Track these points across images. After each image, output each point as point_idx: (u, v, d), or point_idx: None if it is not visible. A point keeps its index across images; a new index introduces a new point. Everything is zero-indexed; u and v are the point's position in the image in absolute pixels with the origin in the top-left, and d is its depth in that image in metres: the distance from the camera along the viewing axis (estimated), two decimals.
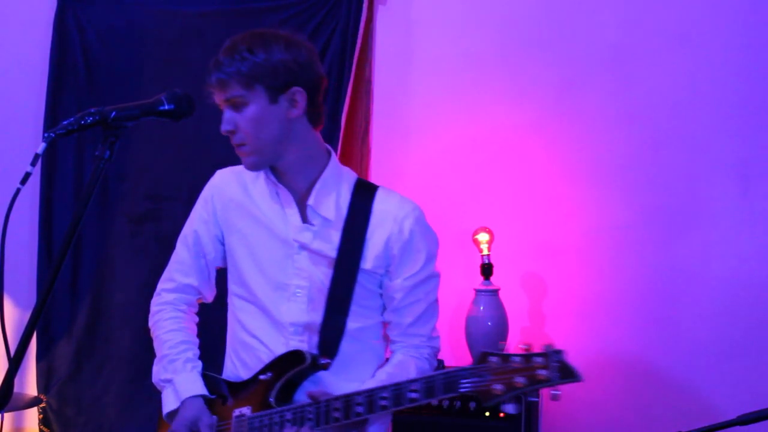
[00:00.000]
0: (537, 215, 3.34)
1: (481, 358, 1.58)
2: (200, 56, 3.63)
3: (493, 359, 1.56)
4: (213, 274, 2.15)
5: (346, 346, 1.96)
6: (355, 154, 3.49)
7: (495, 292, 3.12)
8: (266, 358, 1.97)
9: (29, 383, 3.78)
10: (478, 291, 3.13)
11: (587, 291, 3.29)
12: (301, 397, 1.93)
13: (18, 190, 1.45)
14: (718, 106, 3.20)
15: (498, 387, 1.54)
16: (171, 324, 2.11)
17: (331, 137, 3.45)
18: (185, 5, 3.68)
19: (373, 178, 3.47)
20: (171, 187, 3.66)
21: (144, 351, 3.64)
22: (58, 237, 3.76)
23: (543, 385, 1.52)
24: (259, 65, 1.86)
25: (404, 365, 1.99)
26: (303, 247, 1.97)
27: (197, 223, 2.12)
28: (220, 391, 2.02)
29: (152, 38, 3.69)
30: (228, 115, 1.91)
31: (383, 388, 1.73)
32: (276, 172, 1.99)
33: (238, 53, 1.87)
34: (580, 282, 3.30)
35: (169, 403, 2.01)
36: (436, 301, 2.07)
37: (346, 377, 1.92)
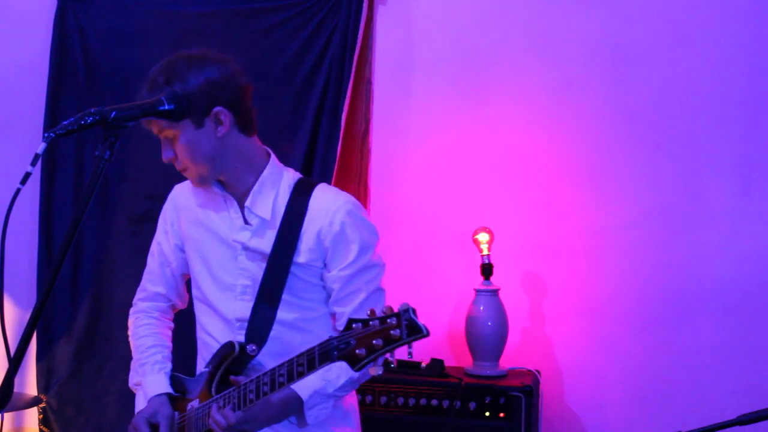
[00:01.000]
0: (537, 215, 3.34)
1: (347, 325, 1.63)
2: None
3: (357, 325, 1.61)
4: (180, 282, 2.30)
5: (288, 336, 2.05)
6: (355, 154, 3.49)
7: (495, 292, 3.12)
8: None
9: (29, 383, 3.78)
10: (478, 291, 3.13)
11: (587, 291, 3.29)
12: None
13: (18, 190, 1.46)
14: (718, 106, 3.20)
15: (361, 351, 1.59)
16: (143, 330, 2.26)
17: (331, 137, 3.45)
18: (185, 5, 3.68)
19: (373, 178, 3.47)
20: (171, 187, 3.65)
21: None
22: (58, 237, 3.76)
23: (397, 343, 1.56)
24: (179, 97, 1.88)
25: None
26: (244, 247, 2.08)
27: (160, 235, 2.28)
28: (184, 388, 2.15)
29: (152, 38, 3.68)
30: (163, 147, 2.02)
31: (281, 365, 1.80)
32: (221, 181, 2.11)
33: (156, 88, 1.94)
34: (580, 282, 3.30)
35: (140, 404, 2.18)
36: (379, 290, 2.11)
37: None
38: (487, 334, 3.09)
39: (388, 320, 1.58)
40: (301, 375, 1.75)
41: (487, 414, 2.91)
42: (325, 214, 2.05)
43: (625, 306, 3.26)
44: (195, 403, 2.06)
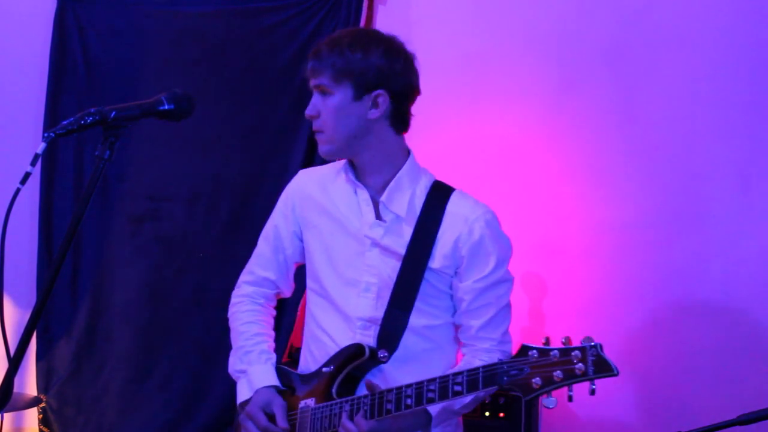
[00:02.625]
0: (537, 215, 3.34)
1: (521, 351, 1.59)
2: (200, 56, 3.66)
3: (533, 353, 1.58)
4: (291, 270, 2.22)
5: (412, 342, 1.98)
6: None
7: None
8: (334, 352, 2.01)
9: (29, 383, 3.77)
10: None
11: (587, 291, 3.29)
12: (363, 389, 1.96)
13: (18, 190, 1.46)
14: (718, 106, 3.19)
15: (537, 381, 1.55)
16: (247, 316, 2.18)
17: None
18: (185, 5, 3.68)
19: None
20: (171, 187, 3.66)
21: (144, 351, 3.67)
22: (58, 237, 3.76)
23: (580, 379, 1.52)
24: (353, 64, 1.93)
25: (468, 366, 1.97)
26: (375, 243, 2.01)
27: (278, 218, 2.19)
28: (290, 383, 2.08)
29: (152, 38, 3.68)
30: (314, 100, 1.99)
31: (432, 380, 1.75)
32: (355, 169, 2.06)
33: (338, 47, 1.95)
34: (580, 282, 3.30)
35: (243, 393, 2.08)
36: (508, 305, 2.08)
37: (412, 374, 1.91)
38: None
39: (572, 353, 1.54)
40: (457, 395, 1.71)
41: (487, 414, 2.91)
42: (465, 222, 2.01)
43: (625, 306, 3.25)
44: (310, 402, 1.99)
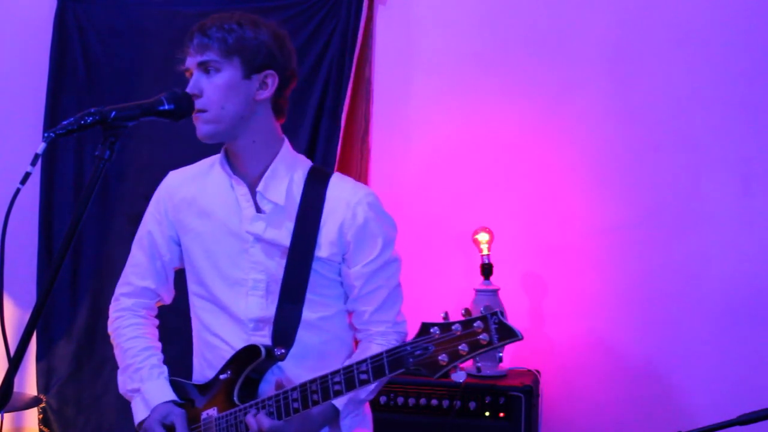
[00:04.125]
0: (537, 215, 3.34)
1: (422, 329, 1.56)
2: None
3: (434, 330, 1.55)
4: (171, 276, 2.13)
5: (307, 336, 1.93)
6: (355, 154, 3.49)
7: (495, 292, 3.12)
8: (230, 355, 1.95)
9: (29, 383, 3.78)
10: (478, 291, 3.13)
11: (587, 291, 3.29)
12: (265, 389, 1.93)
13: (18, 190, 1.45)
14: (718, 106, 3.19)
15: (443, 357, 1.52)
16: (131, 331, 2.09)
17: (330, 136, 3.45)
18: (185, 5, 3.68)
19: (373, 178, 3.47)
20: None
21: None
22: (58, 237, 3.76)
23: (486, 349, 1.50)
24: (245, 40, 1.88)
25: (370, 353, 1.89)
26: (257, 239, 1.94)
27: (151, 224, 2.11)
28: (187, 395, 2.01)
29: (152, 38, 3.68)
30: (196, 77, 1.90)
31: (335, 372, 1.71)
32: (230, 159, 1.98)
33: (227, 23, 1.89)
34: (580, 282, 3.30)
35: (139, 413, 2.00)
36: (399, 285, 2.02)
37: (311, 368, 1.86)
38: None
39: (474, 324, 1.51)
40: (364, 383, 1.66)
41: (487, 414, 2.90)
42: (347, 206, 1.94)
43: (625, 306, 3.26)
44: (212, 412, 1.93)
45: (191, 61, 1.92)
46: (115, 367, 3.67)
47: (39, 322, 1.57)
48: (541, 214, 3.34)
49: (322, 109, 3.47)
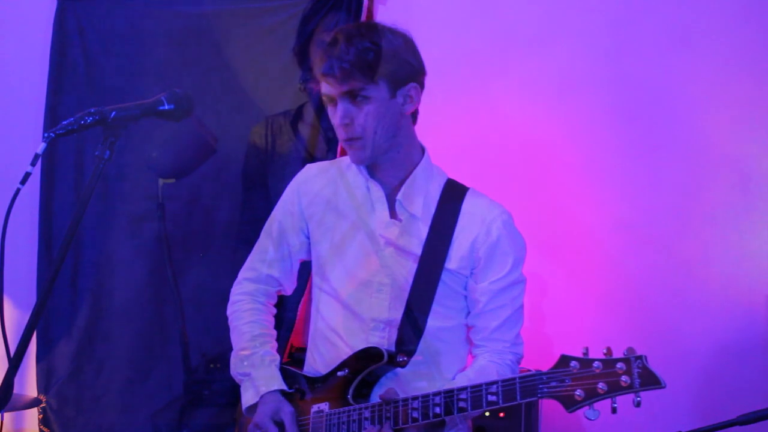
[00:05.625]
0: (537, 215, 3.34)
1: (561, 361, 1.55)
2: (200, 56, 3.65)
3: (574, 363, 1.55)
4: (296, 267, 2.13)
5: (426, 344, 1.92)
6: None
7: None
8: (345, 353, 1.95)
9: (29, 383, 3.77)
10: None
11: (587, 291, 3.29)
12: (378, 393, 1.91)
13: (18, 190, 1.46)
14: (718, 106, 3.19)
15: (579, 393, 1.52)
16: (249, 315, 2.09)
17: (331, 137, 3.45)
18: (185, 5, 3.68)
19: None
20: (171, 187, 3.65)
21: (144, 351, 3.66)
22: (58, 237, 3.76)
23: (625, 391, 1.51)
24: (384, 56, 1.84)
25: (485, 371, 1.92)
26: (389, 243, 1.95)
27: (282, 214, 2.10)
28: (298, 386, 2.01)
29: (152, 38, 3.68)
30: (345, 108, 1.86)
31: (462, 389, 1.71)
32: (370, 166, 1.98)
33: (359, 42, 1.84)
34: (580, 282, 3.30)
35: (248, 398, 2.00)
36: (522, 307, 2.01)
37: (425, 376, 1.88)
38: None
39: (617, 365, 1.51)
40: (492, 405, 1.65)
41: (487, 414, 2.90)
42: (482, 222, 1.94)
43: (625, 306, 3.25)
44: (324, 407, 1.92)
45: (334, 91, 1.87)
46: (115, 367, 3.70)
47: (39, 322, 1.57)
48: (541, 213, 3.33)
49: (321, 109, 3.47)
